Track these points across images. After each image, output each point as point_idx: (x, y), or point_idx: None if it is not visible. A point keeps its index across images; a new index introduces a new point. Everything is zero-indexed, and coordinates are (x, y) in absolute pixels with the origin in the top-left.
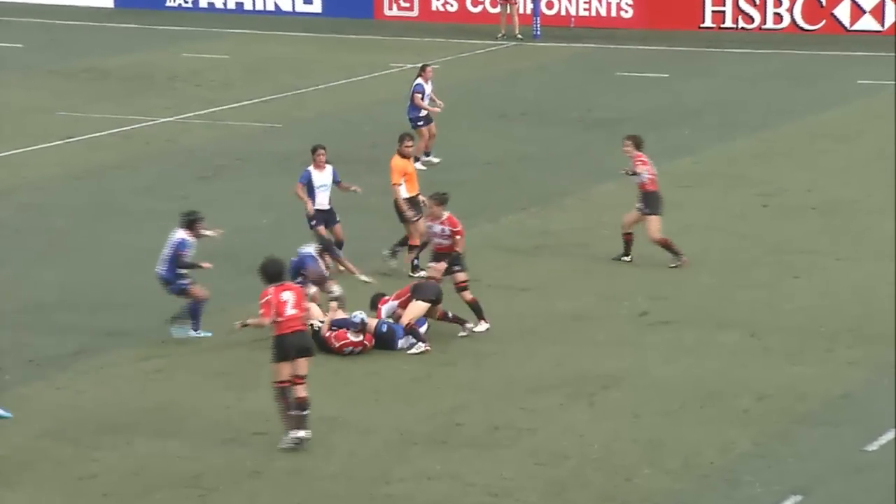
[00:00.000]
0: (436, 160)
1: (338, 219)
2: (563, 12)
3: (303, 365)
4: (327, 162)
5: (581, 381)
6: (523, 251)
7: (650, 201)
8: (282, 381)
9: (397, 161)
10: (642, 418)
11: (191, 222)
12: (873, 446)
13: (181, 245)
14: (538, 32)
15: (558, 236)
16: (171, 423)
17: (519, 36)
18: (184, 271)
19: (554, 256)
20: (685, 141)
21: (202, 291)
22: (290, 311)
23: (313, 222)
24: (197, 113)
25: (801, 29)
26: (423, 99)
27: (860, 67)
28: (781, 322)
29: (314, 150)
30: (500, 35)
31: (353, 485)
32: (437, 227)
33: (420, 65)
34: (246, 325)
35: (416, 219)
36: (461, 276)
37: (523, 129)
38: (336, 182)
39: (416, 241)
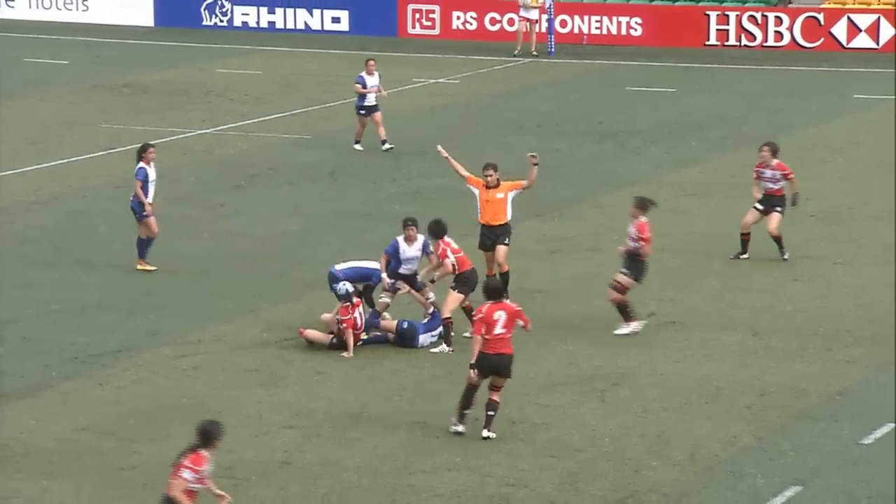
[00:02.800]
0: (385, 147)
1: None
2: (576, 30)
3: (500, 379)
4: (419, 233)
5: (592, 379)
6: (538, 255)
7: (779, 202)
8: (473, 384)
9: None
10: (650, 414)
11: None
12: (870, 440)
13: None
14: (552, 49)
15: (571, 241)
16: (205, 418)
17: (534, 53)
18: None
19: (567, 260)
20: (691, 152)
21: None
22: (498, 330)
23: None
24: (231, 125)
25: (801, 46)
26: (363, 88)
27: (856, 83)
28: (782, 323)
29: (405, 225)
30: (516, 52)
31: (377, 476)
32: (631, 229)
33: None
34: (472, 366)
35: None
36: (623, 279)
37: (538, 141)
38: (427, 253)
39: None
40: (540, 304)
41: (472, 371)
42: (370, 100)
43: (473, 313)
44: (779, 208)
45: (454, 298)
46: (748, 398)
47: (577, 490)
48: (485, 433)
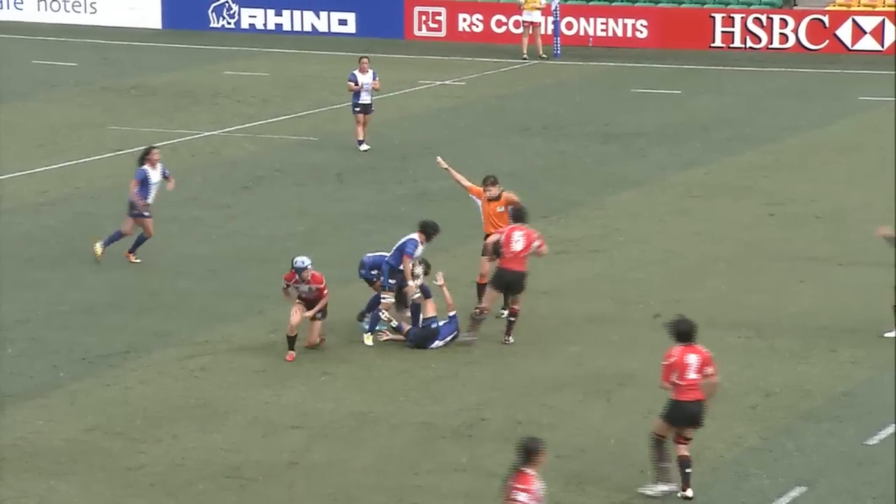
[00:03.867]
0: (363, 148)
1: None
2: (581, 32)
3: (692, 430)
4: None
5: (598, 380)
6: (543, 257)
7: None
8: (661, 435)
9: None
10: (656, 414)
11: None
12: (874, 441)
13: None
14: (559, 51)
15: (576, 243)
16: (212, 418)
17: (542, 55)
18: None
19: (572, 262)
20: (697, 154)
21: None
22: (691, 375)
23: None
24: (238, 127)
25: (806, 48)
26: (354, 85)
27: (861, 85)
28: (787, 324)
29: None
30: (523, 54)
31: (384, 476)
32: None
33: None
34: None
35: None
36: None
37: (544, 143)
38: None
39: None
40: (545, 305)
41: (661, 421)
42: (364, 98)
43: (664, 359)
44: None
45: (491, 295)
46: (753, 399)
47: (583, 491)
48: (688, 493)
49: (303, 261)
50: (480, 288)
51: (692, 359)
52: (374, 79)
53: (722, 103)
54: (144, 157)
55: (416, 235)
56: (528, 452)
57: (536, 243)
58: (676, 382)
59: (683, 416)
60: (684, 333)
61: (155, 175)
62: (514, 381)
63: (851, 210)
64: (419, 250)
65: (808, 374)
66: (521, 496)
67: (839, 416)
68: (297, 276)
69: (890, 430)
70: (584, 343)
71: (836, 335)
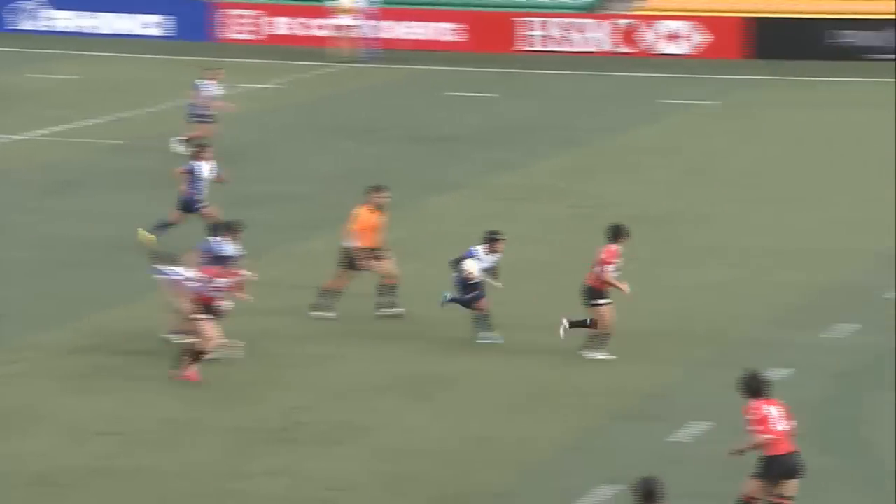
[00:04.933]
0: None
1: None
2: (392, 36)
3: (793, 486)
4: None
5: (418, 382)
6: None
7: None
8: (752, 498)
9: (363, 211)
10: (476, 416)
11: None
12: (683, 437)
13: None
14: (371, 55)
15: (393, 246)
16: (26, 424)
17: (355, 58)
18: None
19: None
20: (511, 157)
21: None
22: (779, 427)
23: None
24: (49, 131)
25: (615, 53)
26: (204, 96)
27: (668, 88)
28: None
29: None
30: (335, 57)
31: (199, 482)
32: None
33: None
34: (741, 452)
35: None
36: None
37: (358, 146)
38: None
39: (340, 286)
40: (366, 307)
41: (756, 481)
42: (209, 109)
43: (747, 414)
44: None
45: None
46: (570, 399)
47: (403, 494)
48: None
49: (233, 248)
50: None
51: (773, 409)
52: (220, 91)
53: (537, 107)
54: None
55: None
56: (650, 496)
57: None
58: (770, 437)
59: (786, 472)
60: (758, 389)
61: (205, 170)
62: (332, 383)
63: (666, 212)
64: None
65: (624, 373)
66: None
67: (653, 415)
68: (220, 270)
69: (701, 427)
70: (404, 345)
71: (653, 335)
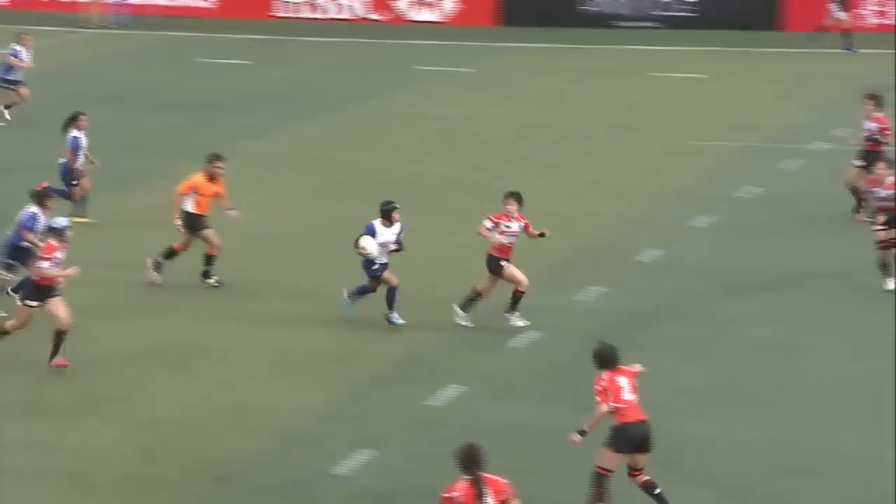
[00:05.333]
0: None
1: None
2: (146, 2)
3: (641, 457)
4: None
5: (173, 351)
6: (118, 228)
7: (871, 157)
8: (605, 469)
9: (198, 178)
10: (229, 385)
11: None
12: (438, 402)
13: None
14: (122, 21)
15: (151, 213)
16: None
17: (106, 24)
18: None
19: (146, 233)
20: (266, 124)
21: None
22: (627, 396)
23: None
24: None
25: (369, 20)
26: (21, 62)
27: (421, 55)
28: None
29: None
30: (85, 23)
31: None
32: (883, 192)
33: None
34: (584, 433)
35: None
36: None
37: (112, 113)
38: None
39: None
40: (122, 278)
41: (607, 450)
42: (18, 74)
43: (595, 384)
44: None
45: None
46: (324, 366)
47: (157, 464)
48: None
49: (65, 220)
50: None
51: (621, 380)
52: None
53: (290, 73)
54: (71, 124)
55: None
56: (473, 459)
57: None
58: (617, 406)
59: (630, 439)
60: (609, 359)
61: (83, 140)
62: (83, 354)
63: (418, 177)
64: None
65: (378, 338)
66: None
67: (407, 379)
68: (56, 244)
69: (454, 391)
70: (156, 315)
71: (406, 299)
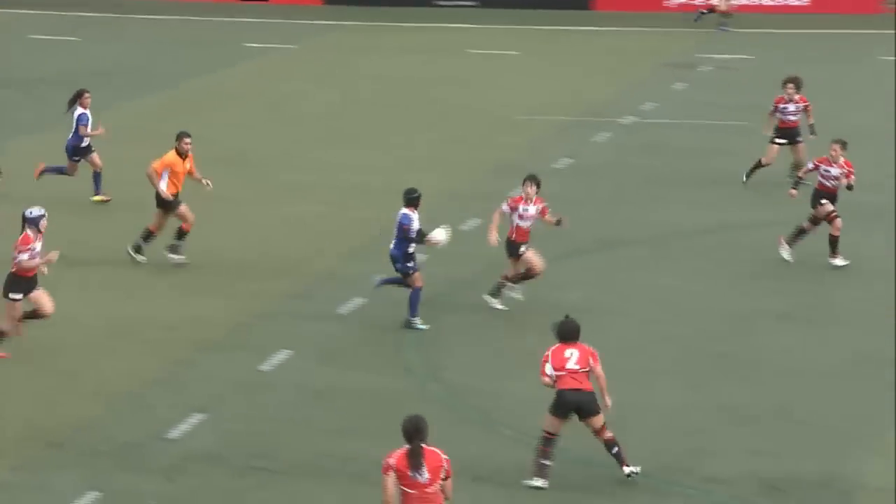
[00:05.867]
0: None
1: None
2: None
3: (595, 421)
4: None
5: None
6: None
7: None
8: (550, 433)
9: (170, 155)
10: (61, 352)
11: (414, 200)
12: (267, 367)
13: (405, 218)
14: None
15: None
16: None
17: None
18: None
19: None
20: (96, 99)
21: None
22: (571, 366)
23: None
24: None
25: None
26: None
27: (249, 32)
28: (192, 259)
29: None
30: None
31: None
32: (834, 170)
33: None
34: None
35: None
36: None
37: None
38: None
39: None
40: None
41: (548, 415)
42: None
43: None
44: (799, 139)
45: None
46: (156, 333)
47: None
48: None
49: (39, 209)
50: None
51: (570, 352)
52: None
53: (122, 50)
54: (77, 101)
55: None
56: (415, 431)
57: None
58: (559, 373)
59: (563, 405)
60: (565, 334)
61: (89, 116)
62: None
63: (246, 151)
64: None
65: (210, 307)
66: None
67: (237, 345)
68: (32, 235)
69: (282, 356)
70: None
71: (233, 270)
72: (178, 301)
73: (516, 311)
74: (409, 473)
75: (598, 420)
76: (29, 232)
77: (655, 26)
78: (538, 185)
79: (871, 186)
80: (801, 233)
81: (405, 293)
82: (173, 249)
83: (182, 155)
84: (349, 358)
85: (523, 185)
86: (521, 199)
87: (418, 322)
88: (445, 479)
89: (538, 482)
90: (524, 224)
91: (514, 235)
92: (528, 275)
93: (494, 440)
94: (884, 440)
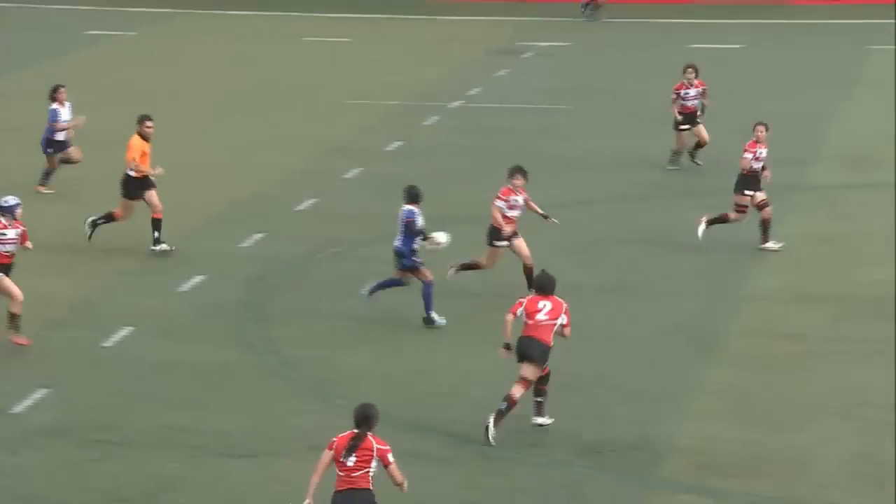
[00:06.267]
0: None
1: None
2: None
3: (528, 369)
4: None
5: None
6: None
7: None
8: (520, 377)
9: (136, 140)
10: None
11: (416, 195)
12: (109, 343)
13: (409, 213)
14: None
15: None
16: None
17: None
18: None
19: None
20: None
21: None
22: (539, 317)
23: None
24: None
25: None
26: None
27: (91, 19)
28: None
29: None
30: None
31: None
32: (764, 152)
33: None
34: (507, 346)
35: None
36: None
37: None
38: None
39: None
40: None
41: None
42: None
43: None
44: (699, 121)
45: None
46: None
47: None
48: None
49: (14, 198)
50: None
51: (543, 304)
52: None
53: None
54: (53, 96)
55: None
56: (362, 419)
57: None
58: (526, 322)
59: (518, 351)
60: (542, 286)
61: (65, 112)
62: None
63: (93, 133)
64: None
65: (54, 285)
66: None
67: (79, 322)
68: (7, 222)
69: (124, 332)
70: None
71: (75, 249)
72: (21, 279)
73: (347, 287)
74: (341, 456)
75: (541, 371)
76: (2, 220)
77: (481, 14)
78: (525, 176)
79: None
80: (722, 220)
81: (237, 268)
82: (156, 242)
83: (146, 138)
84: (189, 333)
85: (511, 176)
86: (511, 190)
87: (435, 317)
88: (385, 466)
89: (539, 420)
90: (512, 213)
91: (497, 224)
92: (477, 265)
93: (330, 410)
94: (692, 404)
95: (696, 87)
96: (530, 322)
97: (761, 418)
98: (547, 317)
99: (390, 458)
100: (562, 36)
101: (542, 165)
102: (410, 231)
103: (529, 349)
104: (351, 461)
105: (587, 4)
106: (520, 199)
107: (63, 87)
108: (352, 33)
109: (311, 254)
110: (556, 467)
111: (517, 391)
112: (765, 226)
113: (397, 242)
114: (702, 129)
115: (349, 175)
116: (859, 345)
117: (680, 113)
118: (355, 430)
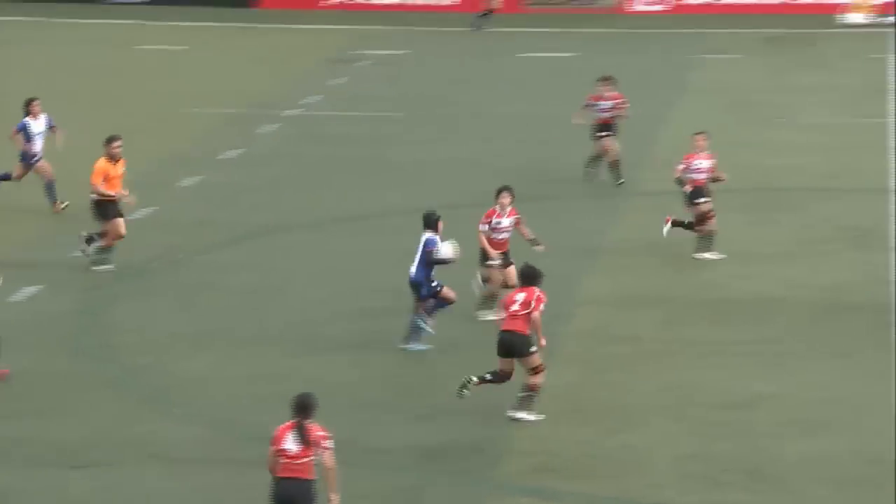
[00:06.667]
0: None
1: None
2: None
3: (506, 363)
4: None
5: None
6: None
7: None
8: (503, 371)
9: (101, 162)
10: None
11: (434, 222)
12: (21, 298)
13: (431, 242)
14: None
15: None
16: None
17: None
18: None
19: None
20: None
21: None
22: (513, 308)
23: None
24: None
25: None
26: None
27: None
28: None
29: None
30: None
31: None
32: (704, 163)
33: None
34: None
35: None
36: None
37: None
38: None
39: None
40: None
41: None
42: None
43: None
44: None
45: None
46: None
47: None
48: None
49: None
50: None
51: (519, 295)
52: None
53: None
54: (27, 109)
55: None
56: (300, 407)
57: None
58: (502, 315)
59: (497, 343)
60: (525, 277)
61: (37, 126)
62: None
63: None
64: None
65: None
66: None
67: None
68: None
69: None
70: None
71: None
72: None
73: (187, 295)
74: (284, 445)
75: (529, 361)
76: None
77: (316, 23)
78: (512, 196)
79: (508, 171)
80: (687, 226)
81: (72, 278)
82: (87, 252)
83: (114, 159)
84: (25, 344)
85: (497, 196)
86: (494, 211)
87: (423, 324)
88: (321, 452)
89: (517, 414)
90: (498, 237)
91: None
92: (506, 285)
93: (166, 418)
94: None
95: (610, 99)
96: (507, 315)
97: (596, 419)
98: (519, 307)
99: (328, 444)
100: (398, 45)
101: (380, 172)
102: (429, 259)
103: (505, 345)
104: (294, 449)
105: (483, 14)
106: (505, 221)
107: (37, 99)
108: (187, 42)
109: (149, 262)
110: (396, 472)
111: (532, 379)
112: (701, 234)
113: (412, 272)
114: (613, 142)
115: (187, 183)
116: (690, 346)
117: (596, 123)
118: (295, 420)
